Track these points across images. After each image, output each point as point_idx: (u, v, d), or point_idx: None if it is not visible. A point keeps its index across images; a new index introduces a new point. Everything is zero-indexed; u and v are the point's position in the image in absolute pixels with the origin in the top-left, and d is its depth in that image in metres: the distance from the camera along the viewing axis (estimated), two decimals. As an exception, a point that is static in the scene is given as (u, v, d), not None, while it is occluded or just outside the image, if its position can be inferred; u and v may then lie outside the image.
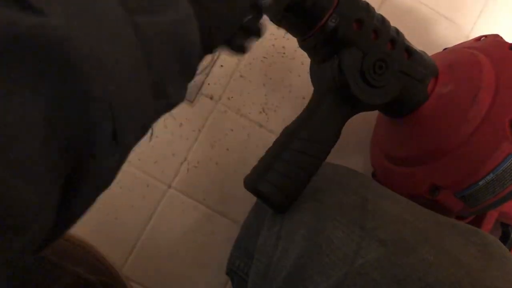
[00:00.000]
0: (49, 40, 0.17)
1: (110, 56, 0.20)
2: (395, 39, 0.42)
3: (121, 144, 0.22)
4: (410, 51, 0.43)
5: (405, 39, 0.44)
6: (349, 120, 0.44)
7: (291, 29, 0.43)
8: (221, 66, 0.61)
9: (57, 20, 0.18)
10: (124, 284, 0.57)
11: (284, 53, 0.62)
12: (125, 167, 0.57)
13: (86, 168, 0.20)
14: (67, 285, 0.51)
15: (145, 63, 0.23)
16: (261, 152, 0.45)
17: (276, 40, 0.62)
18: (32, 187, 0.17)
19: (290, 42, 0.62)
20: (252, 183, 0.42)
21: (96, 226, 0.58)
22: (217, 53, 0.61)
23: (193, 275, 0.60)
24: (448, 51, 0.52)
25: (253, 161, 0.44)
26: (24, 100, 0.17)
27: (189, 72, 0.29)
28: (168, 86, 0.26)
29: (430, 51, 0.56)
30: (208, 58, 0.60)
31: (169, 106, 0.27)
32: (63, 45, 0.18)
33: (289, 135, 0.43)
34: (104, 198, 0.57)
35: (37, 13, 0.17)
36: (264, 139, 0.61)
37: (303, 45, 0.44)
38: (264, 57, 0.62)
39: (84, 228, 0.58)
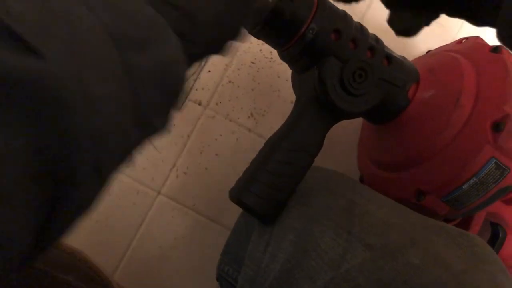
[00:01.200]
0: (44, 85, 0.18)
1: (98, 95, 0.21)
2: (374, 47, 0.42)
3: (102, 176, 0.23)
4: (389, 58, 0.43)
5: (385, 46, 0.44)
6: (338, 124, 0.45)
7: (269, 41, 0.43)
8: (209, 71, 0.61)
9: (54, 64, 0.19)
10: (115, 291, 0.58)
11: (272, 58, 0.62)
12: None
13: (67, 197, 0.21)
14: (57, 293, 0.51)
15: (132, 100, 0.24)
16: (251, 157, 0.45)
17: (263, 45, 0.62)
18: (9, 214, 0.18)
19: (277, 46, 0.62)
20: (237, 195, 0.43)
21: (86, 233, 0.58)
22: (204, 59, 0.61)
23: (184, 280, 0.60)
24: (429, 55, 0.53)
25: (242, 166, 0.44)
26: (7, 133, 0.18)
27: (175, 104, 0.29)
28: (154, 119, 0.27)
29: (416, 54, 0.57)
30: (195, 64, 0.60)
31: (152, 135, 0.28)
32: (57, 88, 0.19)
33: (272, 145, 0.43)
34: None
35: (35, 55, 0.18)
36: (253, 143, 0.61)
37: (282, 56, 0.44)
38: (252, 62, 0.62)
39: (74, 236, 0.58)
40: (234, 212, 0.57)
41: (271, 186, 0.42)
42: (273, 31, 0.41)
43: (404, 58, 0.46)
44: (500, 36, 0.29)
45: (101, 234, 0.59)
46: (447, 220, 0.48)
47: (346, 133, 0.61)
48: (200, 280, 0.60)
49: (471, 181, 0.41)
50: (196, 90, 0.60)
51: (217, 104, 0.61)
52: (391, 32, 0.52)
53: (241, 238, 0.49)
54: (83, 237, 0.58)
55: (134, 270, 0.59)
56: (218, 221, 0.60)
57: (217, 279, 0.52)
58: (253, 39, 0.62)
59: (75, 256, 0.57)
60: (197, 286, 0.60)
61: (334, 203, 0.42)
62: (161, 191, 0.60)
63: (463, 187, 0.41)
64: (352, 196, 0.42)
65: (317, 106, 0.42)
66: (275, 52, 0.62)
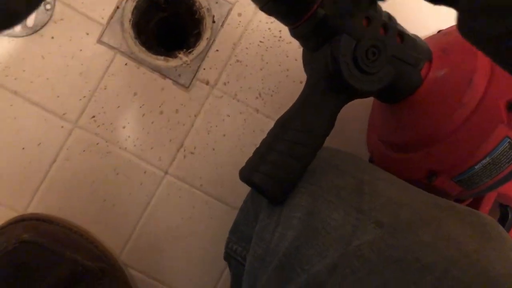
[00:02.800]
0: None
1: None
2: (387, 24, 0.41)
3: None
4: (402, 36, 0.43)
5: (398, 24, 0.43)
6: (348, 104, 0.44)
7: (280, 17, 0.42)
8: (217, 50, 0.60)
9: None
10: (123, 271, 0.58)
11: (280, 37, 0.61)
12: (121, 153, 0.57)
13: None
14: (65, 271, 0.52)
15: None
16: (258, 138, 0.44)
17: (272, 24, 0.61)
18: None
19: (286, 25, 0.61)
20: (247, 174, 0.42)
21: (93, 213, 0.58)
22: (212, 38, 0.60)
23: (192, 260, 0.60)
24: (442, 34, 0.52)
25: (250, 146, 0.44)
26: None
27: None
28: None
29: (428, 34, 0.56)
30: (203, 43, 0.60)
31: None
32: None
33: (283, 125, 0.42)
34: (101, 185, 0.58)
35: None
36: (261, 124, 0.60)
37: (294, 33, 0.43)
38: (261, 41, 0.61)
39: (81, 216, 0.58)
40: (241, 192, 0.57)
41: (281, 166, 0.41)
42: (284, 7, 0.40)
43: (417, 36, 0.45)
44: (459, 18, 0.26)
45: (108, 214, 0.59)
46: (458, 201, 0.47)
47: (356, 113, 0.61)
48: (207, 260, 0.60)
49: (484, 161, 0.40)
50: (204, 69, 0.60)
51: (224, 84, 0.60)
52: (403, 11, 0.52)
53: (249, 217, 0.49)
54: (90, 216, 0.58)
55: (140, 250, 0.59)
56: (225, 201, 0.60)
57: (225, 258, 0.52)
58: (262, 17, 0.61)
59: (82, 235, 0.57)
60: (205, 266, 0.60)
61: (344, 183, 0.41)
62: (168, 171, 0.59)
63: (476, 167, 0.41)
64: (362, 176, 0.42)
65: (329, 85, 0.42)
66: (284, 30, 0.61)
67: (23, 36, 0.56)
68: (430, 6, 0.35)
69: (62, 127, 0.57)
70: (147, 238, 0.59)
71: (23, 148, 0.57)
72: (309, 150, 0.42)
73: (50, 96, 0.57)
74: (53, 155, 0.57)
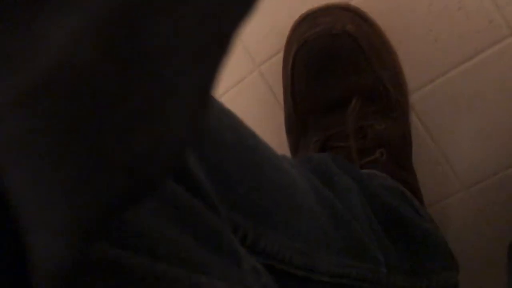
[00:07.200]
0: None
1: None
2: None
3: None
4: None
5: None
6: None
7: None
8: None
9: None
10: (408, 111, 0.52)
11: None
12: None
13: None
14: (367, 82, 0.48)
15: None
16: None
17: None
18: None
19: None
20: None
21: (411, 39, 0.51)
22: None
23: (481, 138, 0.52)
24: None
25: None
26: None
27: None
28: None
29: None
30: None
31: None
32: None
33: None
34: (434, 16, 0.49)
35: None
36: None
37: None
38: None
39: (393, 34, 0.52)
40: None
41: None
42: None
43: None
44: None
45: (424, 46, 0.51)
46: None
47: None
48: (500, 145, 0.52)
49: None
50: None
51: None
52: None
53: None
54: (403, 41, 0.52)
55: (433, 101, 0.53)
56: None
57: None
58: None
59: (391, 54, 0.51)
60: (494, 151, 0.52)
61: None
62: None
63: None
64: None
65: None
66: None
67: None
68: None
69: None
70: (449, 91, 0.52)
71: None
72: None
73: None
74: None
